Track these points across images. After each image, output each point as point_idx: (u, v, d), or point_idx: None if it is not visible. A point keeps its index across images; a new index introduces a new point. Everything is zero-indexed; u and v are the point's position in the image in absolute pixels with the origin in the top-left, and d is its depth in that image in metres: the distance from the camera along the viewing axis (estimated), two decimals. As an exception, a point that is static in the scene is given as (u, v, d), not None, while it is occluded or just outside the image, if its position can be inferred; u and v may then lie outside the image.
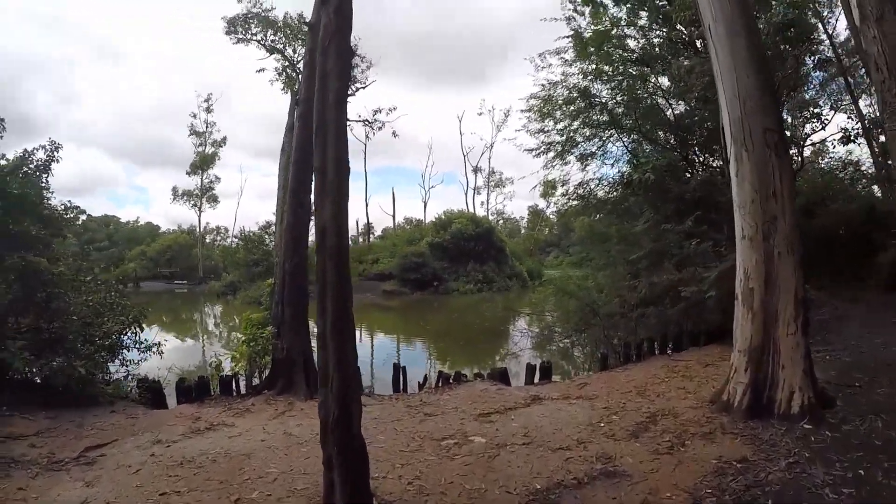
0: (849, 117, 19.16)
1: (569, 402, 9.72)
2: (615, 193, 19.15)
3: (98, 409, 9.42)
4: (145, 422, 8.98)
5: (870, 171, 22.04)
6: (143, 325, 12.21)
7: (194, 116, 70.12)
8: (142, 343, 12.27)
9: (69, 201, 14.28)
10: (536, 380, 12.38)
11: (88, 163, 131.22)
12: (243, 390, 11.52)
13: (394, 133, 17.59)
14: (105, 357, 10.97)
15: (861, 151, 20.87)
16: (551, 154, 19.37)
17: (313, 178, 5.75)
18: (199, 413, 9.61)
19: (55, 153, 11.88)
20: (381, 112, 17.99)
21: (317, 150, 5.43)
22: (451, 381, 12.02)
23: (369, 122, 17.86)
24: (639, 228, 14.71)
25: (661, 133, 18.22)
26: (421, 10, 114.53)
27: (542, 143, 19.32)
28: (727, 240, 13.24)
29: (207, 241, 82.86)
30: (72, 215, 13.66)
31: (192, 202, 73.64)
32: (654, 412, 8.67)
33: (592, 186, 19.89)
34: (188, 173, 72.43)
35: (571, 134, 18.90)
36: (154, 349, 12.25)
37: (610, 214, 19.59)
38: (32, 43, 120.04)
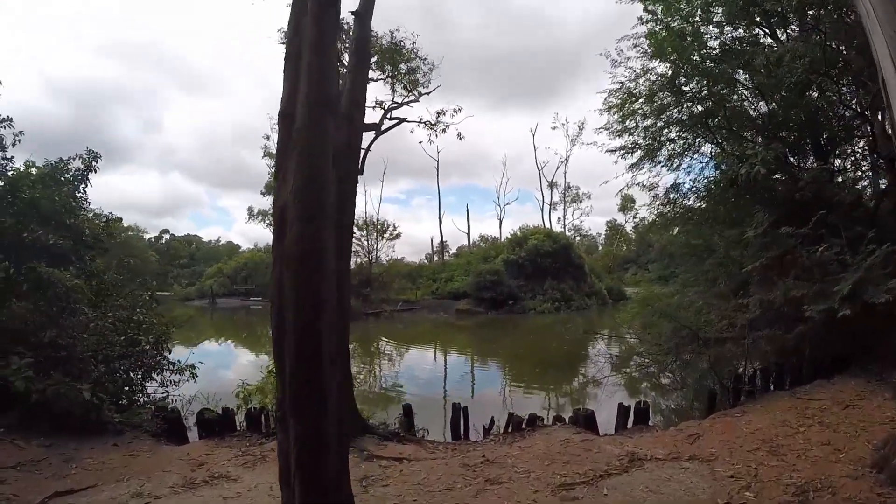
0: None
1: (679, 464, 7.63)
2: (709, 199, 17.01)
3: (101, 440, 8.28)
4: (142, 463, 7.68)
5: None
6: (169, 345, 10.74)
7: (267, 138, 68.93)
8: (173, 364, 10.73)
9: (111, 213, 12.98)
10: (630, 424, 10.38)
11: (172, 186, 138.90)
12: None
13: (459, 135, 15.99)
14: (123, 378, 10.09)
15: None
16: (637, 155, 17.26)
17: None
18: (206, 457, 8.24)
19: (93, 163, 11.26)
20: (444, 114, 16.34)
21: (285, 84, 3.62)
22: (523, 426, 10.05)
23: (432, 125, 16.23)
24: (750, 234, 12.32)
25: (747, 134, 16.01)
26: (490, 26, 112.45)
27: (626, 143, 17.27)
28: (847, 246, 11.34)
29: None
30: (108, 228, 12.38)
31: (267, 221, 72.83)
32: (800, 485, 6.52)
33: (685, 189, 17.57)
34: (263, 193, 71.52)
35: (658, 132, 16.82)
36: (187, 371, 10.69)
37: (705, 223, 17.28)
38: (116, 71, 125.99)
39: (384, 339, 35.85)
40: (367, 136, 12.06)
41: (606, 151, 17.94)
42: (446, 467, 7.78)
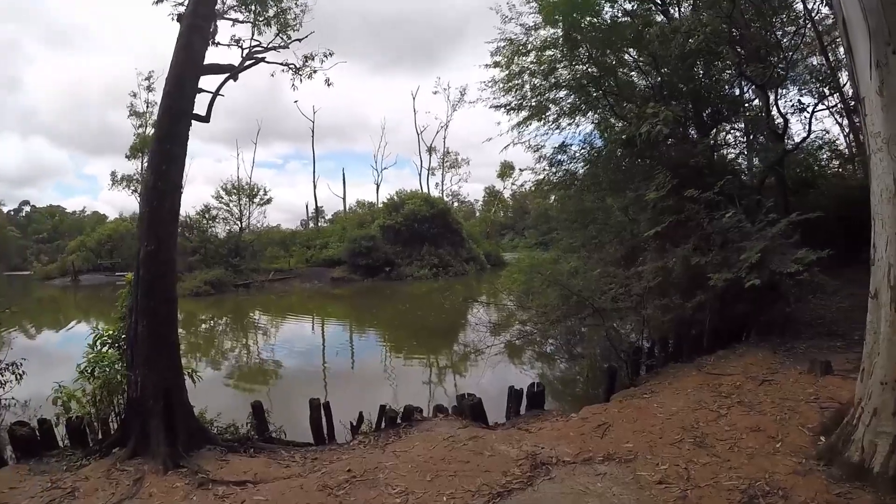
0: None
1: (593, 468, 6.03)
2: (596, 164, 16.05)
3: None
4: None
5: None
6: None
7: (134, 96, 63.95)
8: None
9: None
10: (523, 409, 8.89)
11: (33, 152, 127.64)
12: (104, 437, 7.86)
13: (327, 82, 14.12)
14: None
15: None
16: (523, 113, 15.93)
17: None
18: (9, 492, 6.14)
19: None
20: (313, 58, 14.27)
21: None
22: (398, 421, 8.31)
23: (296, 68, 14.17)
24: (652, 195, 11.06)
25: (631, 105, 14.90)
26: None
27: (513, 100, 15.93)
28: (745, 214, 10.63)
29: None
30: None
31: (133, 188, 67.64)
32: (744, 489, 5.20)
33: (573, 152, 16.38)
34: (128, 157, 66.55)
35: (547, 90, 15.59)
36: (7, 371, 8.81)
37: (589, 188, 16.43)
38: None
39: (259, 311, 33.59)
40: (218, 79, 9.95)
41: (491, 107, 16.55)
42: (301, 492, 5.90)
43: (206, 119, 9.45)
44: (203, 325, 29.98)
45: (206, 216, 50.15)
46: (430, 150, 74.81)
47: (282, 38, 14.40)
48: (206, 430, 7.77)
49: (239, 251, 47.55)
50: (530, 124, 16.39)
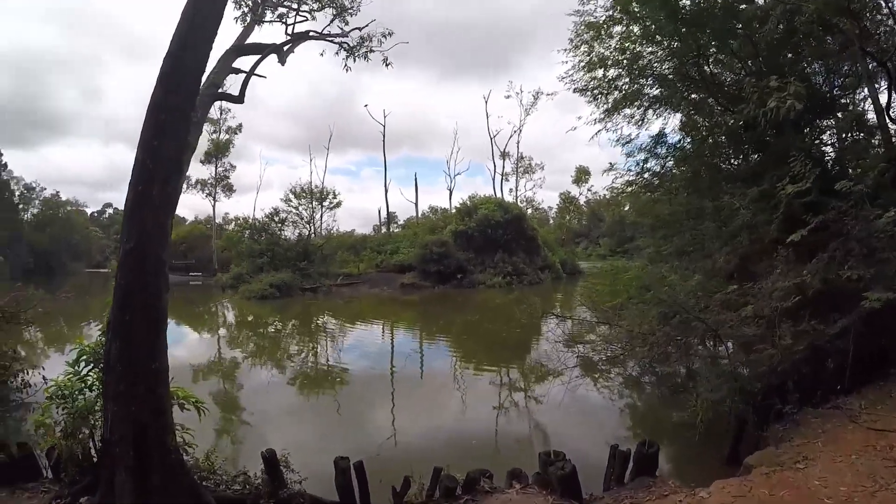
0: None
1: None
2: (694, 160, 14.15)
3: None
4: None
5: None
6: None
7: None
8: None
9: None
10: (627, 474, 6.85)
11: (115, 158, 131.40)
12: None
13: (386, 61, 12.86)
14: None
15: None
16: (613, 98, 14.01)
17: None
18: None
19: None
20: (370, 40, 12.91)
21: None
22: (458, 492, 6.41)
23: (350, 47, 12.82)
24: (789, 189, 8.89)
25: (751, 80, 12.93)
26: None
27: (600, 82, 14.16)
28: None
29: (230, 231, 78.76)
30: None
31: (207, 191, 69.27)
32: None
33: (671, 143, 14.44)
34: (202, 162, 68.06)
35: (640, 70, 13.76)
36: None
37: (685, 188, 14.64)
38: (57, 40, 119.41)
39: (327, 314, 32.94)
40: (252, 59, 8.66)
41: (575, 91, 14.88)
42: None
43: (239, 99, 8.90)
44: (269, 328, 29.54)
45: (275, 219, 49.90)
46: (504, 154, 73.22)
47: (340, 27, 13.23)
48: (197, 487, 6.03)
49: (308, 255, 47.00)
50: (619, 113, 14.63)
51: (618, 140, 15.24)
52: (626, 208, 17.85)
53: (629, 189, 16.57)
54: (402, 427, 11.52)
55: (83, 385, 6.63)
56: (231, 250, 58.13)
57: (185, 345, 24.13)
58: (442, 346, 22.51)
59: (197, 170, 76.95)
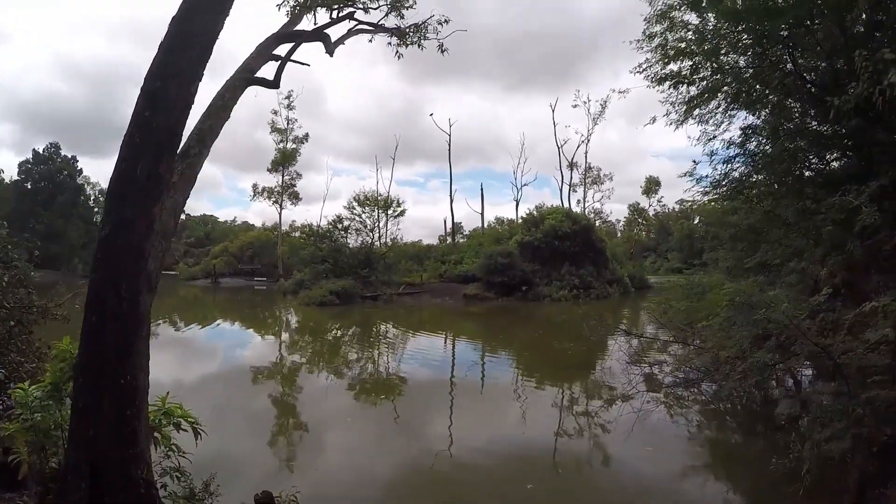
0: None
1: None
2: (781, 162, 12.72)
3: None
4: None
5: None
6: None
7: (275, 113, 68.12)
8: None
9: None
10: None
11: None
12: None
13: (441, 48, 12.35)
14: None
15: None
16: (697, 87, 13.30)
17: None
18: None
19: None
20: (426, 27, 12.44)
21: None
22: None
23: (402, 33, 12.27)
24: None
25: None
26: (506, 11, 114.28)
27: (682, 69, 13.36)
28: None
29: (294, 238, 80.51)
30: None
31: (274, 199, 70.69)
32: None
33: (762, 138, 13.42)
34: (269, 170, 70.42)
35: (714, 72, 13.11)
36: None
37: (768, 196, 13.48)
38: (131, 55, 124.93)
39: (390, 323, 32.53)
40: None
41: (653, 82, 13.99)
42: None
43: (275, 84, 8.47)
44: (329, 335, 29.72)
45: (338, 226, 50.26)
46: (571, 165, 71.93)
47: (397, 19, 12.88)
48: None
49: (370, 263, 47.16)
50: (696, 111, 13.92)
51: (698, 139, 14.38)
52: (696, 221, 16.63)
53: (706, 198, 15.62)
54: (459, 439, 11.18)
55: (55, 394, 5.82)
56: (294, 257, 59.23)
57: (248, 347, 25.02)
58: (504, 360, 21.93)
59: (264, 178, 79.25)
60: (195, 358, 22.22)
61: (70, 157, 73.34)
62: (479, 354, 22.92)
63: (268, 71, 8.53)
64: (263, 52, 8.37)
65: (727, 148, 13.94)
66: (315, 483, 8.88)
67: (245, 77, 7.70)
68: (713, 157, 14.33)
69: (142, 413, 5.01)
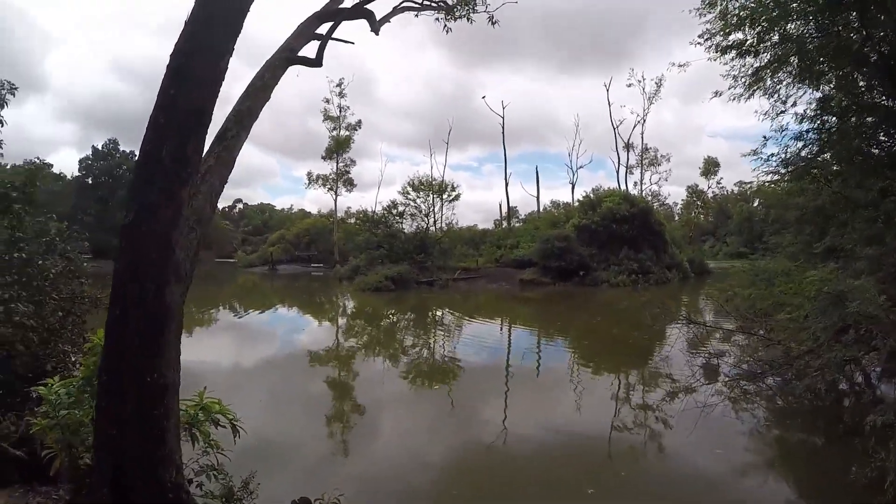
0: None
1: None
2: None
3: None
4: None
5: None
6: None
7: (327, 102, 68.81)
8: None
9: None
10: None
11: (244, 158, 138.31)
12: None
13: (491, 20, 12.04)
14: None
15: None
16: (764, 57, 12.75)
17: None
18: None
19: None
20: (476, 2, 12.22)
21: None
22: None
23: (449, 8, 11.97)
24: None
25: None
26: None
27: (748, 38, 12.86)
28: None
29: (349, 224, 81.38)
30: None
31: (329, 186, 71.31)
32: None
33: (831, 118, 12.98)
34: (323, 158, 70.91)
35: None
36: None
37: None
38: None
39: (445, 309, 32.42)
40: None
41: (716, 51, 13.60)
42: None
43: (317, 62, 8.25)
44: (385, 321, 29.91)
45: (393, 212, 50.29)
46: (628, 146, 70.53)
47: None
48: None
49: (425, 248, 47.31)
50: (762, 83, 13.30)
51: (765, 113, 13.83)
52: (756, 204, 16.00)
53: (772, 178, 15.05)
54: (513, 423, 11.25)
55: (88, 389, 5.58)
56: (348, 243, 59.86)
57: (305, 332, 25.46)
58: (560, 347, 21.61)
59: (318, 165, 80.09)
60: (254, 342, 22.74)
61: (129, 152, 74.73)
62: (535, 341, 22.65)
63: (311, 52, 8.46)
64: (305, 32, 8.22)
65: (800, 122, 13.39)
66: (368, 467, 9.02)
67: (285, 56, 7.54)
68: (783, 133, 13.80)
69: (171, 412, 4.63)
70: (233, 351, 20.08)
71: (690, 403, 11.24)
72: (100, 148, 74.97)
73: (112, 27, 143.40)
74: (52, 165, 74.48)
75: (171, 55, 4.59)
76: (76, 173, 75.86)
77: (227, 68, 4.86)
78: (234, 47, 4.84)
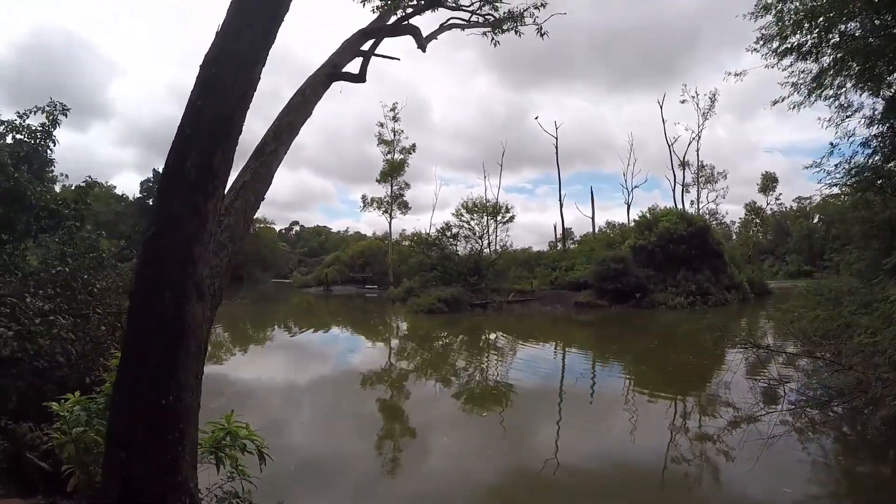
0: None
1: None
2: None
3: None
4: None
5: None
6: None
7: (381, 126, 69.49)
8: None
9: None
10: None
11: (301, 182, 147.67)
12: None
13: (540, 30, 11.90)
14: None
15: None
16: (826, 60, 12.48)
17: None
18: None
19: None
20: (521, 17, 11.97)
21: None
22: None
23: (495, 21, 11.83)
24: None
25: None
26: (604, 6, 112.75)
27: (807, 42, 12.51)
28: None
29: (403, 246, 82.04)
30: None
31: (383, 209, 71.88)
32: None
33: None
34: (378, 181, 71.30)
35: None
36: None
37: None
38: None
39: (499, 333, 32.12)
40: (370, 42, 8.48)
41: (774, 55, 13.52)
42: None
43: (360, 78, 8.43)
44: (438, 342, 29.91)
45: (447, 234, 50.34)
46: (683, 163, 69.36)
47: (491, 14, 12.63)
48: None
49: (479, 270, 47.12)
50: (833, 79, 12.79)
51: (829, 119, 13.41)
52: (816, 220, 15.59)
53: (835, 189, 14.56)
54: (565, 448, 11.11)
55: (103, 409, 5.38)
56: (402, 264, 60.38)
57: (358, 353, 25.84)
58: (615, 373, 20.99)
59: (374, 189, 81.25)
60: (308, 361, 23.15)
61: (186, 174, 77.12)
62: (590, 366, 22.30)
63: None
64: (350, 48, 8.34)
65: (868, 126, 12.92)
66: (418, 486, 9.11)
67: (328, 73, 7.59)
68: (850, 138, 13.35)
69: (186, 438, 4.36)
70: (287, 370, 20.48)
71: (753, 433, 10.71)
72: (159, 171, 77.23)
73: (172, 56, 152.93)
74: (115, 187, 78.17)
75: (200, 66, 4.48)
76: (137, 195, 78.48)
77: (259, 78, 4.71)
78: (267, 56, 4.72)
